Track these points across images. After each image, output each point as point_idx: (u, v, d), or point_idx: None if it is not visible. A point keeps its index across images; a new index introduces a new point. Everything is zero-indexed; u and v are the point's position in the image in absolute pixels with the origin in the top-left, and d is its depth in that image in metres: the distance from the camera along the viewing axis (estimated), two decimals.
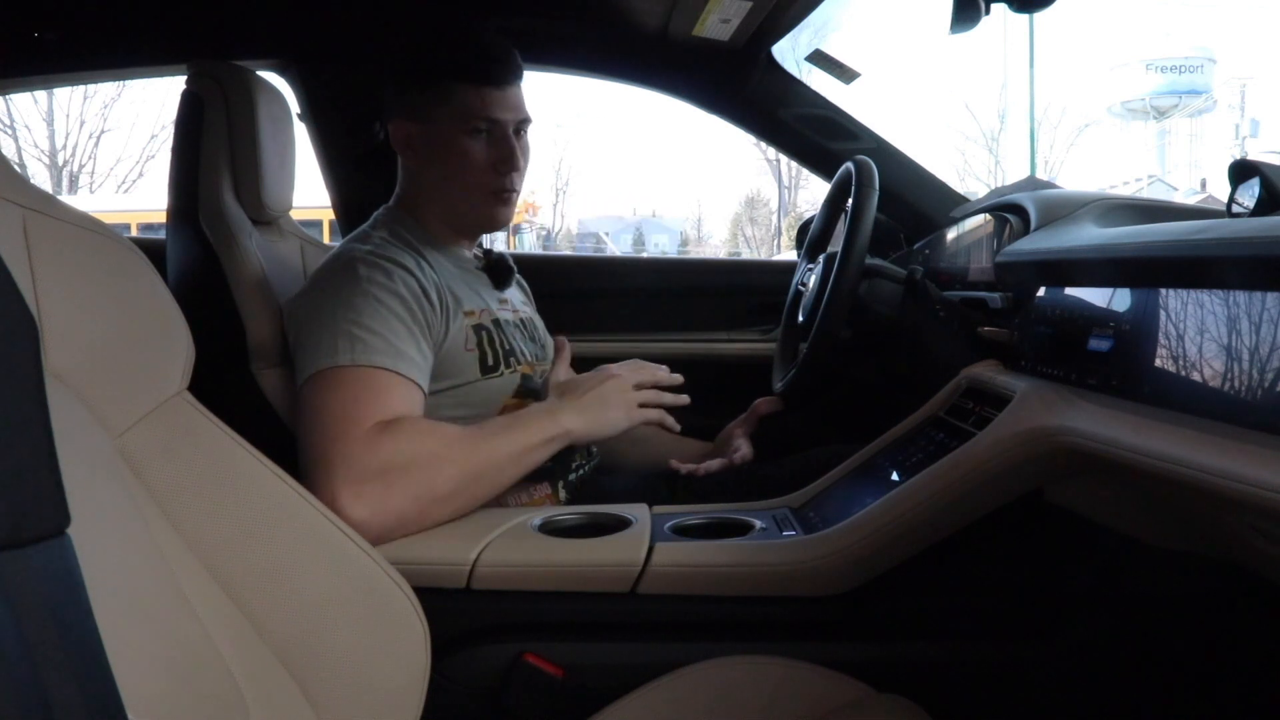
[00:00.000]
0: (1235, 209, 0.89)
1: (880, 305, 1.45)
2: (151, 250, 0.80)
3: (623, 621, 1.00)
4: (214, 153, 1.28)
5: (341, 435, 1.01)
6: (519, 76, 1.27)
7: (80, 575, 0.36)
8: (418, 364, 1.12)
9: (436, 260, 1.25)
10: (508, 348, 1.27)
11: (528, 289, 1.54)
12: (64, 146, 17.94)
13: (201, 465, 0.70)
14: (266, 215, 1.36)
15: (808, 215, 1.88)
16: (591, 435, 1.15)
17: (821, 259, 1.56)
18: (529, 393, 1.28)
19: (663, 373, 1.23)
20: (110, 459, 0.63)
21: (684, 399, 1.23)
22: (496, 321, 1.29)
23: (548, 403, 1.16)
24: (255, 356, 1.22)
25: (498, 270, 1.37)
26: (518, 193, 1.30)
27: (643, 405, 1.19)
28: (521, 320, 1.39)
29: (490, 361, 1.23)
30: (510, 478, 1.09)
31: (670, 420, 1.22)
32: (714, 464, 1.35)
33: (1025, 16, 13.73)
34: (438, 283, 1.21)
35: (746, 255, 25.68)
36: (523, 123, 1.28)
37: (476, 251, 1.39)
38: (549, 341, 1.48)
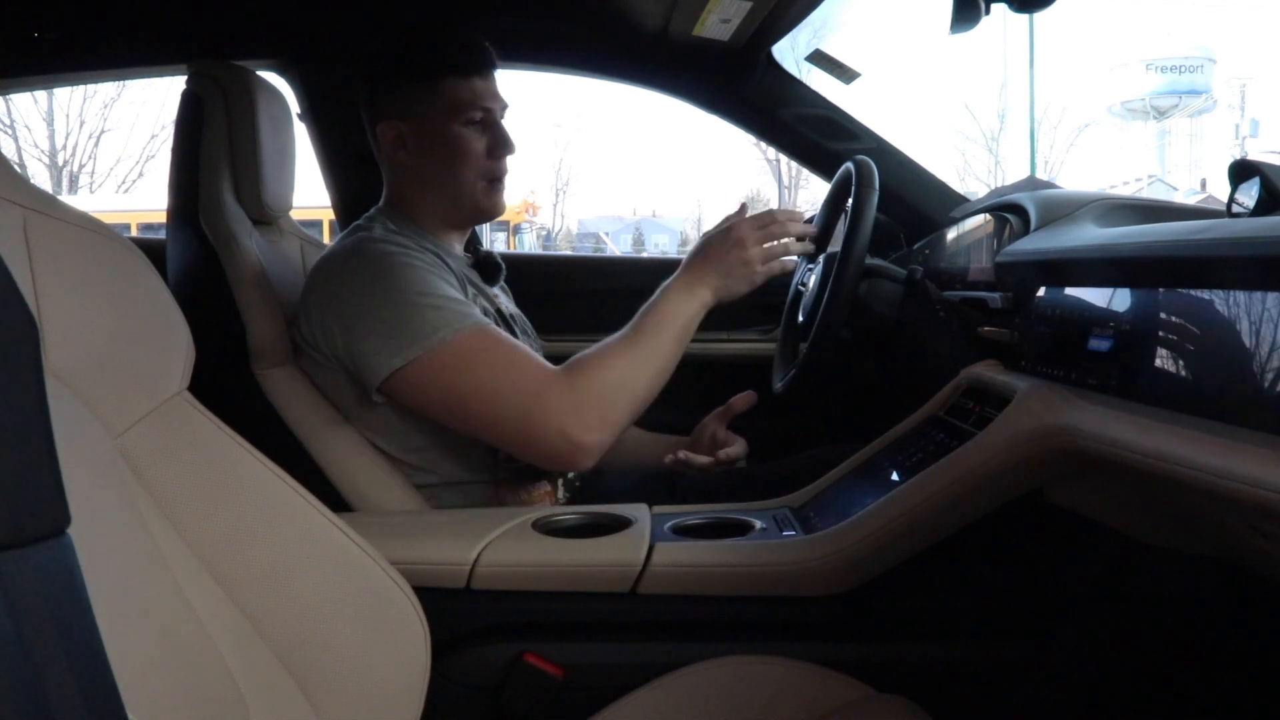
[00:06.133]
0: (1235, 209, 0.89)
1: (880, 305, 1.45)
2: (151, 250, 0.79)
3: (623, 621, 1.00)
4: (214, 153, 1.28)
5: (534, 387, 1.09)
6: (495, 66, 1.33)
7: (80, 575, 0.36)
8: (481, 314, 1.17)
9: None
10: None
11: (509, 293, 1.55)
12: (64, 146, 17.91)
13: (201, 465, 0.69)
14: (266, 215, 1.36)
15: (808, 215, 1.88)
16: (729, 297, 1.21)
17: (821, 259, 1.56)
18: None
19: (777, 227, 1.25)
20: (110, 459, 0.63)
21: (811, 233, 1.31)
22: (499, 311, 1.32)
23: (680, 281, 1.21)
24: (256, 356, 1.22)
25: (486, 267, 1.40)
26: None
27: (767, 260, 1.24)
28: (513, 315, 1.41)
29: None
30: (677, 358, 1.18)
31: (790, 265, 1.27)
32: (702, 459, 1.35)
33: (1025, 16, 13.73)
34: (448, 265, 1.24)
35: None
36: (504, 110, 1.33)
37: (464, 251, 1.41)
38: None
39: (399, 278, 1.13)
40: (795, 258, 1.26)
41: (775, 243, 1.23)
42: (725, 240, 1.21)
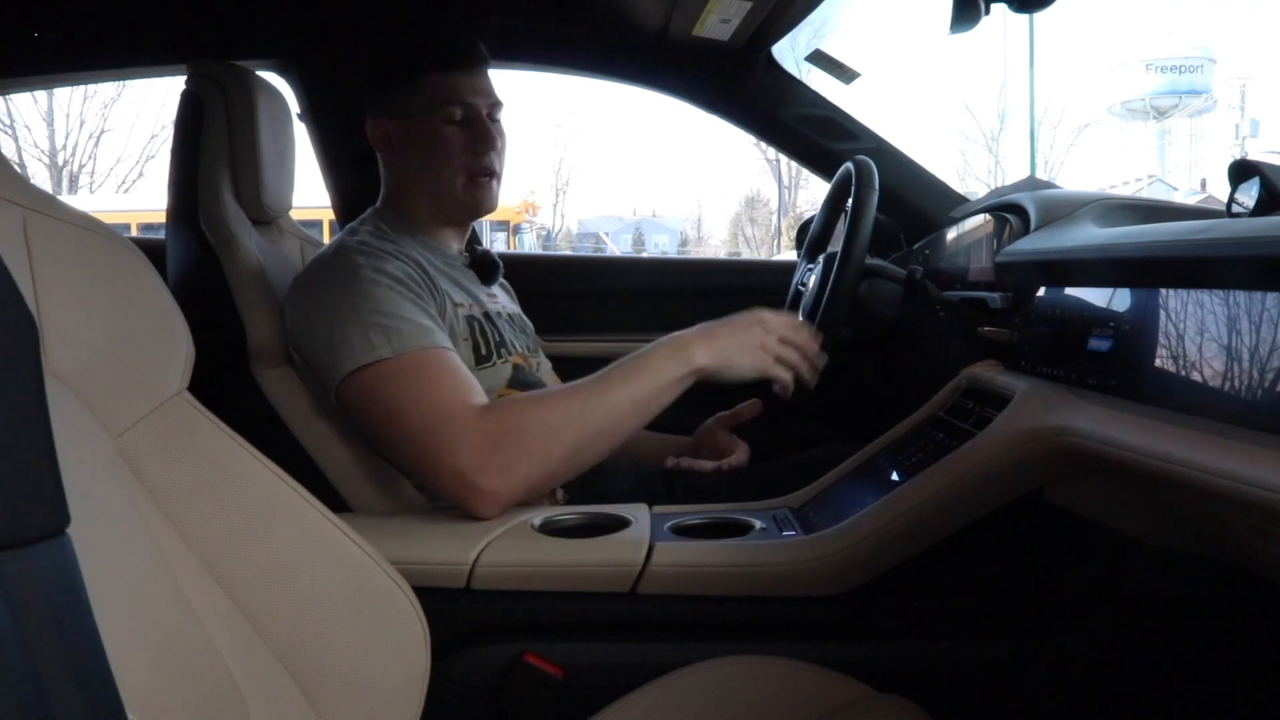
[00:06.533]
0: (1235, 209, 0.89)
1: (880, 305, 1.45)
2: (151, 250, 0.79)
3: (623, 621, 1.00)
4: (214, 153, 1.28)
5: (447, 418, 1.03)
6: (484, 62, 1.30)
7: (80, 575, 0.36)
8: (443, 335, 1.14)
9: (424, 257, 1.26)
10: (499, 339, 1.29)
11: (511, 290, 1.55)
12: (64, 146, 17.93)
13: (201, 465, 0.69)
14: (266, 215, 1.36)
15: (808, 215, 1.88)
16: (720, 374, 1.10)
17: (821, 259, 1.56)
18: (523, 384, 1.28)
19: (812, 342, 1.18)
20: (110, 459, 0.63)
21: (818, 367, 1.18)
22: (487, 314, 1.30)
23: (675, 339, 1.11)
24: (255, 357, 1.22)
25: (484, 266, 1.39)
26: (498, 175, 1.31)
27: (779, 360, 1.14)
28: (510, 315, 1.40)
29: (484, 351, 1.25)
30: (636, 426, 1.08)
31: (788, 383, 1.16)
32: (706, 465, 1.34)
33: (1025, 16, 13.73)
34: (428, 273, 1.23)
35: (746, 255, 25.66)
36: (494, 106, 1.30)
37: (463, 249, 1.40)
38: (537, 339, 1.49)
39: (359, 293, 1.12)
40: (790, 380, 1.15)
41: (792, 353, 1.15)
42: (749, 317, 1.14)
